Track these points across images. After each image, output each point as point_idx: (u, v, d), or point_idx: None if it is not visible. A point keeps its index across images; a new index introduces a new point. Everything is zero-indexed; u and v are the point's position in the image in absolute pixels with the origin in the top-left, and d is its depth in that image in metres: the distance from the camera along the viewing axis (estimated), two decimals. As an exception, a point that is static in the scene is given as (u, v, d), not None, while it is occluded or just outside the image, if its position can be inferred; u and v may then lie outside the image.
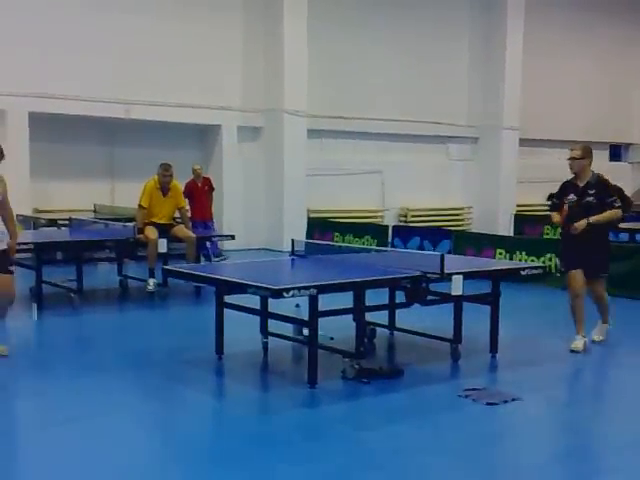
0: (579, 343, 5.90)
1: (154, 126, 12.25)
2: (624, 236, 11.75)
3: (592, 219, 5.82)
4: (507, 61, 15.46)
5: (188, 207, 10.31)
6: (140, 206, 8.27)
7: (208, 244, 10.05)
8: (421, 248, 10.53)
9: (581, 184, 6.00)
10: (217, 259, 9.22)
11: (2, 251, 5.23)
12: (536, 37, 16.00)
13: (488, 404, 4.52)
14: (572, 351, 5.83)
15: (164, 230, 8.24)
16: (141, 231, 8.04)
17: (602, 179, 6.04)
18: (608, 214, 5.87)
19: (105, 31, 11.56)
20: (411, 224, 14.11)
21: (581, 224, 5.82)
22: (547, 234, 12.81)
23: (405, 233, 11.55)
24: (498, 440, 4.06)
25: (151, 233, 8.07)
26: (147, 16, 11.97)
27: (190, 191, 10.56)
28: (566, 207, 5.99)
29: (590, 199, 5.89)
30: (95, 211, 11.80)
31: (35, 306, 7.16)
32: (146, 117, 11.88)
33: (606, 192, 5.94)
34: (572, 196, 5.99)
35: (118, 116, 11.70)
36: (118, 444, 3.93)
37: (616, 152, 19.29)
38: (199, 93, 12.37)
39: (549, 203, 6.35)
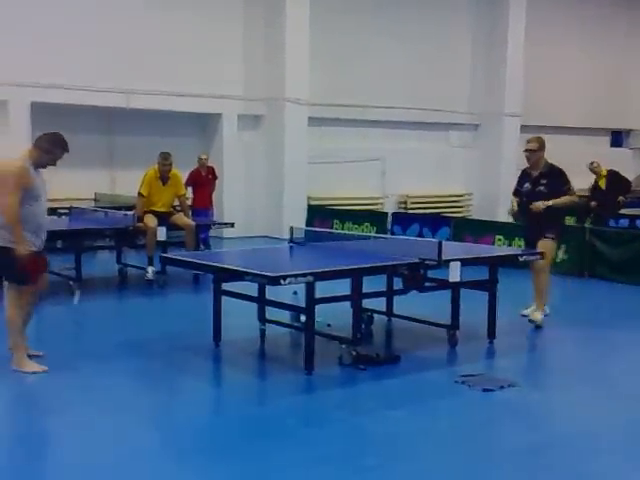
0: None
1: (154, 115, 12.23)
2: (624, 222, 11.74)
3: (551, 202, 6.07)
4: (509, 48, 15.36)
5: (190, 195, 10.33)
6: (140, 194, 8.27)
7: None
8: (420, 235, 10.52)
9: (535, 174, 6.27)
10: (202, 247, 9.22)
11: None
12: (538, 24, 15.87)
13: (485, 390, 4.54)
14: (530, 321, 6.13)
15: (163, 218, 8.24)
16: (140, 219, 8.05)
17: (554, 168, 6.28)
18: (565, 198, 6.14)
19: (105, 20, 11.50)
20: (411, 211, 14.10)
21: (538, 205, 6.08)
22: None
23: (404, 220, 11.54)
24: (494, 426, 4.08)
25: (150, 221, 8.08)
26: (147, 4, 11.91)
27: (194, 179, 10.57)
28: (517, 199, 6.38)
29: (541, 188, 6.20)
30: (96, 200, 11.81)
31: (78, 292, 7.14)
32: (146, 106, 11.85)
33: (559, 181, 6.19)
34: (527, 185, 6.33)
35: (119, 105, 11.67)
36: (115, 431, 3.95)
37: (617, 138, 19.21)
38: (200, 82, 12.32)
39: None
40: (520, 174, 6.55)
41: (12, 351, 4.78)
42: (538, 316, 6.20)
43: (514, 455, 3.67)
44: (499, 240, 9.58)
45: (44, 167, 4.80)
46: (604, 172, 11.89)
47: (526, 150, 6.30)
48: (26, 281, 4.71)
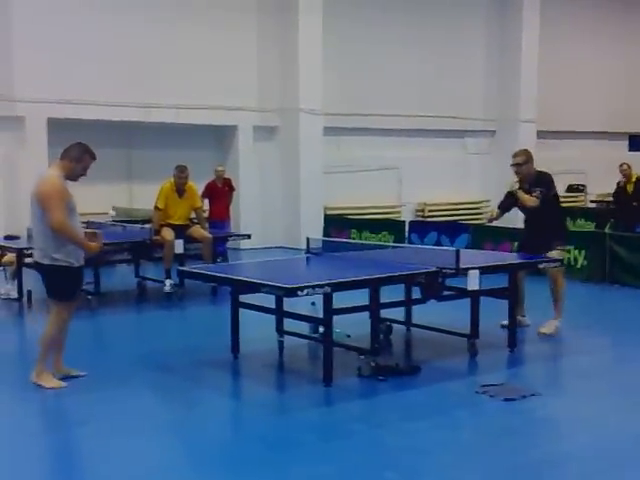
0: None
1: (171, 128, 12.32)
2: (642, 227, 11.58)
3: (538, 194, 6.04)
4: (523, 53, 15.28)
5: (207, 207, 10.37)
6: (156, 208, 8.32)
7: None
8: (438, 243, 10.45)
9: (527, 186, 6.16)
10: (220, 259, 9.25)
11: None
12: (552, 29, 15.79)
13: (506, 400, 4.47)
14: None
15: (180, 231, 8.27)
16: (157, 232, 8.09)
17: (541, 175, 6.20)
18: (527, 197, 6.06)
19: (121, 35, 11.62)
20: (428, 219, 14.02)
21: (530, 199, 6.06)
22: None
23: (422, 228, 11.48)
24: (516, 436, 4.01)
25: (167, 234, 8.11)
26: (162, 19, 12.02)
27: (210, 192, 10.61)
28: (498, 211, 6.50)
29: (537, 195, 6.08)
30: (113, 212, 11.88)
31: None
32: (163, 119, 11.95)
33: (547, 185, 6.12)
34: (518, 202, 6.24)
35: (136, 119, 11.78)
36: (134, 444, 3.95)
37: (635, 142, 18.99)
38: (215, 94, 12.40)
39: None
40: (507, 195, 6.41)
41: (37, 365, 4.79)
42: (550, 328, 6.10)
43: (536, 466, 3.60)
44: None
45: (76, 179, 4.81)
46: (634, 177, 11.31)
47: (514, 164, 6.16)
48: (70, 297, 4.78)
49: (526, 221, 6.48)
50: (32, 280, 8.11)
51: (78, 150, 4.78)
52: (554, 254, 6.07)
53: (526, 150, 6.28)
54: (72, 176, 4.77)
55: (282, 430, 4.13)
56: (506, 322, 6.00)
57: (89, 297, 7.59)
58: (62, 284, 4.71)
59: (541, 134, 15.84)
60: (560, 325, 6.15)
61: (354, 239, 11.36)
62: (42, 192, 4.60)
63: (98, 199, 11.95)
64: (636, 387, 4.90)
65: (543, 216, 6.11)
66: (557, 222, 6.22)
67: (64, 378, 4.89)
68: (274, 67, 13.02)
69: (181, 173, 8.35)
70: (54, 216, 4.53)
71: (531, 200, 6.05)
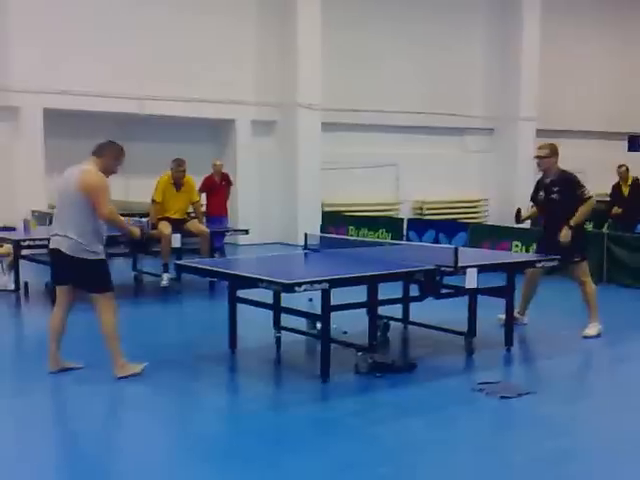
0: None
1: (168, 121, 12.29)
2: (642, 227, 11.59)
3: (572, 222, 5.92)
4: (523, 51, 15.28)
5: (204, 202, 10.34)
6: (153, 201, 8.30)
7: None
8: (436, 241, 10.45)
9: (547, 181, 6.15)
10: (216, 255, 9.23)
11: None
12: (553, 27, 15.78)
13: (502, 398, 4.48)
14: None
15: (178, 225, 8.26)
16: (155, 226, 8.07)
17: (566, 175, 6.14)
18: (583, 210, 5.95)
19: (119, 27, 11.59)
20: (427, 217, 14.02)
21: (566, 235, 5.92)
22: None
23: (420, 226, 11.48)
24: (512, 434, 4.02)
25: (165, 228, 8.09)
26: (160, 11, 11.99)
27: (208, 186, 10.58)
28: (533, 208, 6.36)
29: (554, 196, 6.08)
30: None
31: None
32: (160, 112, 11.91)
33: (571, 187, 6.04)
34: (541, 194, 6.22)
35: (132, 111, 11.74)
36: (131, 439, 3.95)
37: (634, 142, 19.02)
38: (213, 88, 12.37)
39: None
40: (536, 183, 6.42)
41: (116, 360, 4.80)
42: (593, 330, 6.07)
43: (532, 464, 3.60)
44: (516, 246, 9.49)
45: (108, 175, 4.90)
46: (630, 179, 11.26)
47: (536, 157, 6.18)
48: (110, 288, 4.84)
49: (544, 218, 6.35)
50: (29, 272, 8.10)
51: (115, 150, 4.90)
52: (576, 270, 6.03)
53: (552, 144, 6.22)
54: (106, 173, 4.86)
55: (279, 425, 4.13)
56: (503, 316, 6.02)
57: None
58: (106, 275, 4.83)
59: (540, 133, 15.83)
60: (600, 327, 6.08)
61: (352, 236, 11.35)
62: (91, 184, 4.66)
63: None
64: (632, 386, 4.92)
65: (562, 219, 5.96)
66: (575, 233, 5.97)
67: (62, 371, 4.87)
68: (272, 61, 12.99)
69: (179, 166, 8.33)
70: (105, 207, 4.64)
71: (564, 238, 5.94)
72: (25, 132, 10.97)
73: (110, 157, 4.85)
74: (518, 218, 6.58)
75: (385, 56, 14.13)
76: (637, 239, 9.26)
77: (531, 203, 6.54)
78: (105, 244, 4.89)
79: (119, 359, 4.80)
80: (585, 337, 6.02)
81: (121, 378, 4.74)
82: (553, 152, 6.14)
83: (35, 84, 10.81)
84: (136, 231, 5.14)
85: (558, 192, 6.05)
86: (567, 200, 6.01)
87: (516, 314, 6.10)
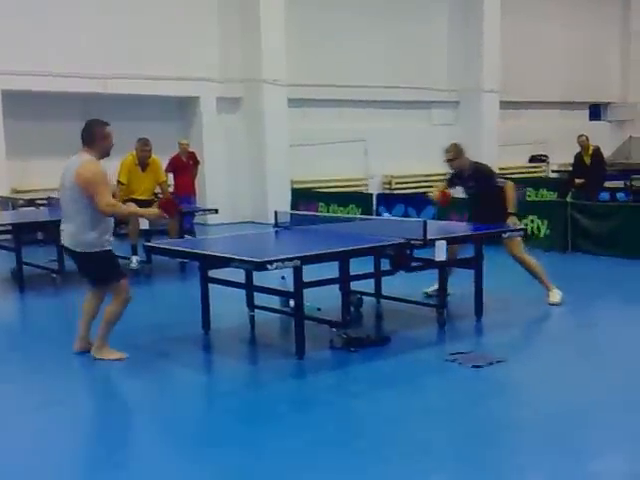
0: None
1: (132, 100, 12.03)
2: (605, 195, 11.84)
3: (511, 210, 6.17)
4: (485, 24, 15.32)
5: (171, 182, 10.21)
6: (119, 182, 8.17)
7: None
8: (406, 215, 10.52)
9: (464, 175, 6.35)
10: (188, 235, 9.18)
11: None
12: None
13: (474, 367, 4.57)
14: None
15: (145, 206, 8.08)
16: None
17: (478, 167, 6.37)
18: (509, 195, 6.18)
19: (78, 4, 11.26)
20: (396, 191, 14.08)
21: (512, 220, 6.16)
22: (529, 196, 12.87)
23: (389, 201, 11.53)
24: (484, 401, 4.11)
25: (132, 210, 7.97)
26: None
27: (175, 166, 10.44)
28: (444, 190, 6.44)
29: (472, 190, 6.35)
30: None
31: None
32: (123, 91, 11.64)
33: (486, 178, 6.28)
34: (461, 185, 6.48)
35: (94, 91, 11.47)
36: (106, 422, 3.94)
37: (595, 111, 19.33)
38: (176, 65, 12.14)
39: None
40: (451, 175, 6.55)
41: (98, 341, 4.80)
42: (556, 297, 6.20)
43: (503, 430, 3.70)
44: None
45: (109, 154, 4.78)
46: (591, 149, 11.43)
47: (446, 160, 6.35)
48: (115, 279, 4.75)
49: (470, 204, 6.66)
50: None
51: (100, 130, 4.71)
52: (509, 244, 6.16)
53: (456, 145, 6.36)
54: (104, 154, 4.74)
55: (255, 403, 4.15)
56: (433, 289, 6.15)
57: (53, 275, 7.45)
58: (114, 265, 4.78)
59: (504, 104, 15.98)
60: (558, 291, 6.23)
61: (322, 212, 11.36)
62: (86, 179, 4.54)
63: (59, 175, 11.66)
64: (598, 351, 5.06)
65: (486, 205, 6.25)
66: (499, 209, 6.23)
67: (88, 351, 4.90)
68: (236, 37, 12.78)
69: (144, 146, 8.20)
70: (104, 199, 4.54)
71: (516, 223, 6.25)
72: (-18, 116, 10.66)
73: (100, 140, 4.69)
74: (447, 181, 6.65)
75: (350, 30, 14.02)
76: (600, 207, 9.46)
77: (444, 182, 6.68)
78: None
79: (101, 341, 4.79)
80: (552, 305, 6.17)
81: (98, 359, 4.75)
82: (459, 152, 6.30)
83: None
84: (153, 211, 5.01)
85: (475, 184, 6.30)
86: (485, 188, 6.26)
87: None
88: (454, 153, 6.27)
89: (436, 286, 6.17)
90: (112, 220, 4.86)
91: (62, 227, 4.78)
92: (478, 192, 6.32)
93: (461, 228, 6.55)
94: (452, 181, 6.58)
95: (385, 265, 5.69)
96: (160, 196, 8.58)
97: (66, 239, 4.73)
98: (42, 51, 10.90)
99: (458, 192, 6.80)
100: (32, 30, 10.86)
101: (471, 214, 6.70)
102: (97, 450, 3.58)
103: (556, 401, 4.08)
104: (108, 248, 4.73)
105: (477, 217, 6.40)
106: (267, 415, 3.93)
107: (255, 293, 5.60)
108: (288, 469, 3.28)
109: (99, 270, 4.76)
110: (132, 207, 5.14)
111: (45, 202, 9.70)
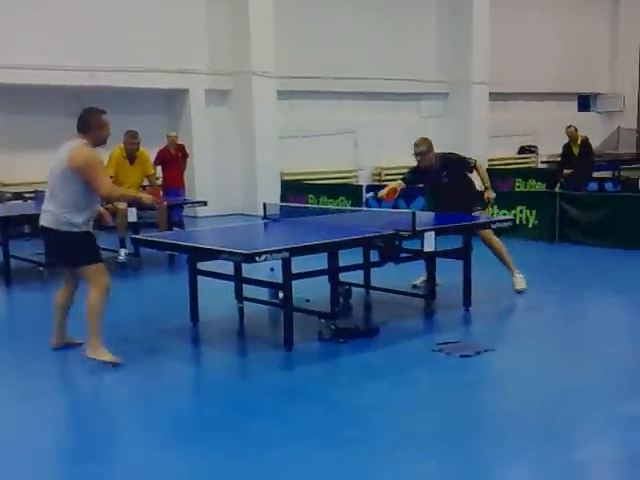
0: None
1: (120, 92, 11.94)
2: (593, 185, 11.90)
3: (486, 185, 6.32)
4: (474, 15, 15.32)
5: (160, 175, 10.17)
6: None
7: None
8: (395, 207, 10.52)
9: (433, 170, 6.30)
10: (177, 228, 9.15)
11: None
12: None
13: (462, 356, 4.60)
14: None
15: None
16: (109, 201, 7.90)
17: (447, 156, 6.37)
18: (482, 172, 6.35)
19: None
20: (385, 183, 14.06)
21: (490, 195, 6.34)
22: (518, 187, 12.91)
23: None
24: (472, 391, 4.13)
25: (120, 202, 7.93)
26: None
27: (163, 158, 10.39)
28: (397, 186, 6.27)
29: (445, 180, 6.29)
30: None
31: None
32: (111, 83, 11.57)
33: (457, 165, 6.31)
34: (429, 179, 6.41)
35: (82, 83, 11.38)
36: (96, 415, 3.93)
37: (584, 102, 19.40)
38: (164, 57, 12.08)
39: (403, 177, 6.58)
40: (414, 168, 6.47)
41: (90, 339, 4.57)
42: (522, 284, 6.29)
43: (491, 420, 3.73)
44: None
45: (105, 143, 4.74)
46: (580, 139, 11.39)
47: (415, 154, 6.28)
48: (94, 260, 4.62)
49: (438, 197, 6.61)
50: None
51: (97, 118, 4.64)
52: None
53: (426, 138, 6.30)
54: (100, 143, 4.68)
55: (244, 394, 4.15)
56: (418, 282, 6.20)
57: (40, 269, 7.41)
58: (92, 247, 4.67)
59: (493, 96, 16.01)
60: (523, 276, 6.35)
61: (312, 204, 11.35)
62: (82, 163, 4.45)
63: (45, 168, 11.55)
64: (584, 341, 5.10)
65: (458, 193, 6.26)
66: (470, 193, 6.37)
67: (65, 347, 4.84)
68: (224, 28, 12.72)
69: (133, 139, 8.15)
70: (103, 183, 4.49)
71: (492, 196, 6.41)
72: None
73: (96, 129, 4.61)
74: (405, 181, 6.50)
75: (338, 22, 13.98)
76: (588, 197, 9.51)
77: (399, 181, 6.44)
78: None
79: (94, 339, 4.57)
80: (519, 292, 6.24)
81: (90, 359, 4.56)
82: (430, 146, 6.26)
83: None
84: (148, 197, 4.96)
85: (448, 175, 6.25)
86: (457, 177, 6.29)
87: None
88: (425, 147, 6.19)
89: (423, 277, 6.21)
90: (97, 207, 4.78)
91: (44, 207, 4.62)
92: (451, 181, 6.26)
93: (449, 218, 6.57)
94: (412, 179, 6.48)
95: (374, 256, 5.70)
96: (148, 189, 8.56)
97: (47, 219, 4.58)
98: (27, 44, 10.79)
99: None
100: (17, 22, 10.75)
101: (439, 203, 6.56)
102: (81, 442, 3.57)
103: (543, 390, 4.10)
104: (89, 230, 4.65)
105: (449, 205, 6.28)
106: (256, 406, 3.94)
107: (244, 285, 5.59)
108: (277, 460, 3.29)
109: (77, 249, 4.60)
110: (127, 193, 5.06)
111: (32, 195, 9.63)
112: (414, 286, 6.36)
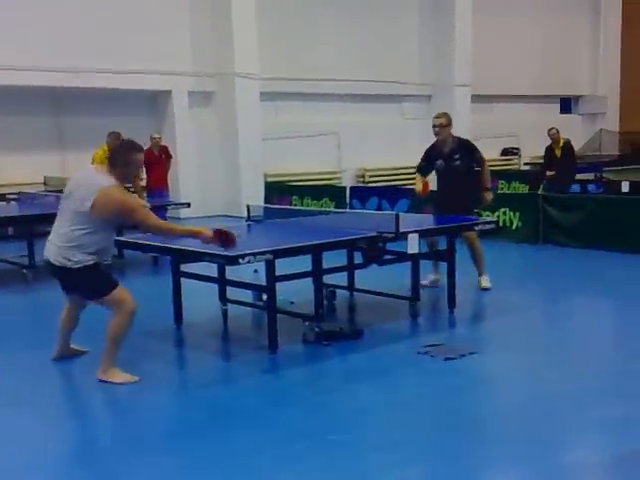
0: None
1: (103, 94, 11.88)
2: (576, 187, 12.00)
3: (487, 185, 6.42)
4: (456, 18, 15.43)
5: (144, 176, 10.10)
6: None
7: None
8: (379, 208, 10.55)
9: (446, 150, 6.36)
10: None
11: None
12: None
13: (446, 359, 4.60)
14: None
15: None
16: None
17: (463, 141, 6.45)
18: (485, 171, 6.43)
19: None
20: (369, 184, 14.12)
21: (489, 196, 6.43)
22: (501, 189, 12.99)
23: (363, 194, 11.55)
24: (456, 394, 4.14)
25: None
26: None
27: (147, 160, 10.28)
28: (424, 179, 6.44)
29: (457, 163, 6.32)
30: (45, 184, 11.46)
31: None
32: (94, 85, 11.50)
33: (470, 152, 6.38)
34: (440, 162, 6.42)
35: (65, 84, 11.29)
36: (80, 418, 3.88)
37: (566, 104, 19.59)
38: (148, 58, 12.00)
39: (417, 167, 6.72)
40: (427, 152, 6.58)
41: (105, 362, 4.34)
42: (487, 282, 6.41)
43: (476, 422, 3.73)
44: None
45: (131, 180, 4.40)
46: (562, 141, 11.43)
47: (435, 126, 6.34)
48: (107, 291, 4.31)
49: (442, 184, 6.60)
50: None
51: (123, 153, 4.29)
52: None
53: (446, 113, 6.45)
54: (126, 180, 4.34)
55: (228, 398, 4.13)
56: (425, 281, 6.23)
57: (24, 271, 7.33)
58: (102, 277, 4.35)
59: (475, 98, 16.11)
60: (488, 277, 6.48)
61: (295, 206, 11.34)
62: (117, 207, 4.13)
63: (29, 169, 11.48)
64: (569, 342, 5.13)
65: (464, 183, 6.31)
66: (474, 189, 6.44)
67: (72, 357, 4.74)
68: (207, 30, 12.68)
69: (117, 140, 8.09)
70: (151, 220, 4.24)
71: (488, 201, 6.58)
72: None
73: (122, 165, 4.23)
74: (421, 171, 6.64)
75: (322, 24, 14.00)
76: (571, 199, 9.59)
77: (418, 174, 6.63)
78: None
79: (108, 363, 4.34)
80: (485, 289, 6.36)
81: (101, 381, 4.31)
82: (449, 121, 6.35)
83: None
84: (207, 233, 4.36)
85: (460, 158, 6.31)
86: (468, 164, 6.33)
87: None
88: (445, 119, 6.30)
89: (432, 277, 6.24)
90: (106, 247, 4.41)
91: (51, 239, 4.31)
92: (461, 165, 6.27)
93: (433, 220, 6.59)
94: (426, 166, 6.52)
95: (358, 258, 5.70)
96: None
97: (52, 254, 4.27)
98: (10, 44, 10.68)
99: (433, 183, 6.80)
100: (2, 24, 10.63)
101: (443, 191, 6.52)
102: (63, 448, 3.53)
103: (528, 393, 4.12)
104: (89, 264, 4.25)
105: (452, 197, 6.27)
106: (240, 410, 3.92)
107: (228, 287, 5.57)
108: (262, 463, 3.27)
109: (102, 279, 4.34)
110: (179, 230, 4.56)
111: (15, 197, 9.52)
112: (423, 287, 6.31)
